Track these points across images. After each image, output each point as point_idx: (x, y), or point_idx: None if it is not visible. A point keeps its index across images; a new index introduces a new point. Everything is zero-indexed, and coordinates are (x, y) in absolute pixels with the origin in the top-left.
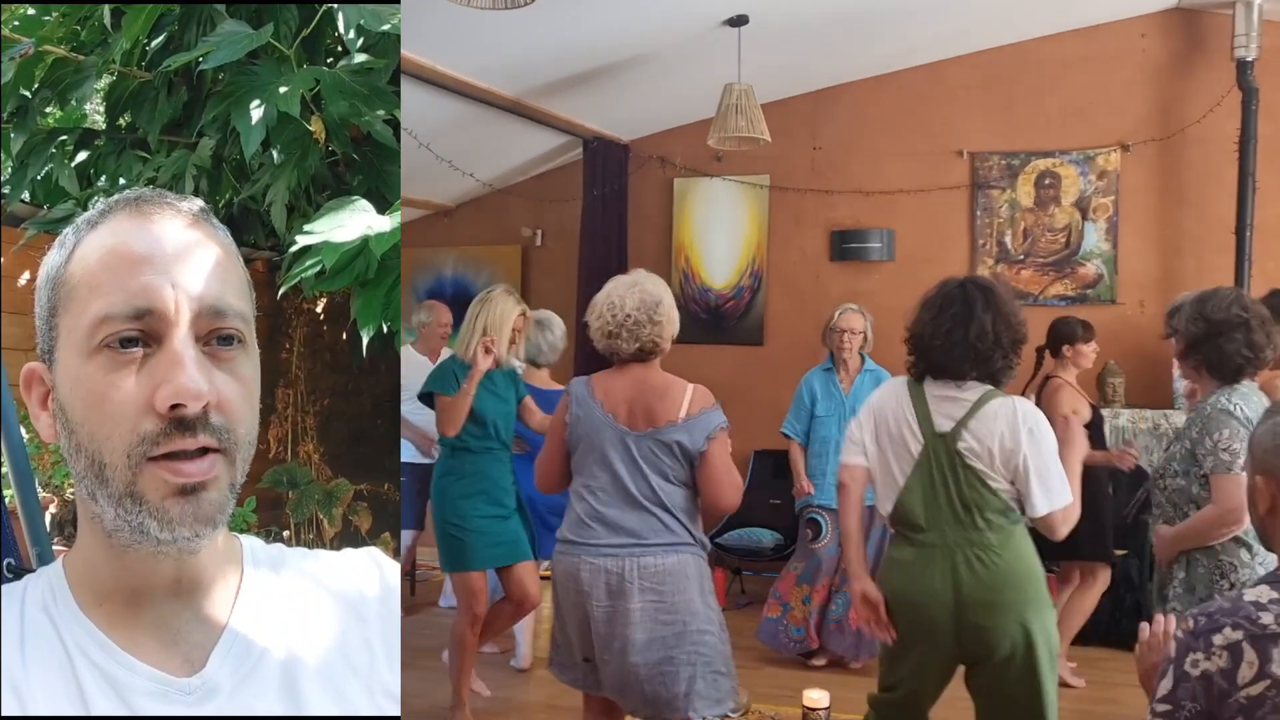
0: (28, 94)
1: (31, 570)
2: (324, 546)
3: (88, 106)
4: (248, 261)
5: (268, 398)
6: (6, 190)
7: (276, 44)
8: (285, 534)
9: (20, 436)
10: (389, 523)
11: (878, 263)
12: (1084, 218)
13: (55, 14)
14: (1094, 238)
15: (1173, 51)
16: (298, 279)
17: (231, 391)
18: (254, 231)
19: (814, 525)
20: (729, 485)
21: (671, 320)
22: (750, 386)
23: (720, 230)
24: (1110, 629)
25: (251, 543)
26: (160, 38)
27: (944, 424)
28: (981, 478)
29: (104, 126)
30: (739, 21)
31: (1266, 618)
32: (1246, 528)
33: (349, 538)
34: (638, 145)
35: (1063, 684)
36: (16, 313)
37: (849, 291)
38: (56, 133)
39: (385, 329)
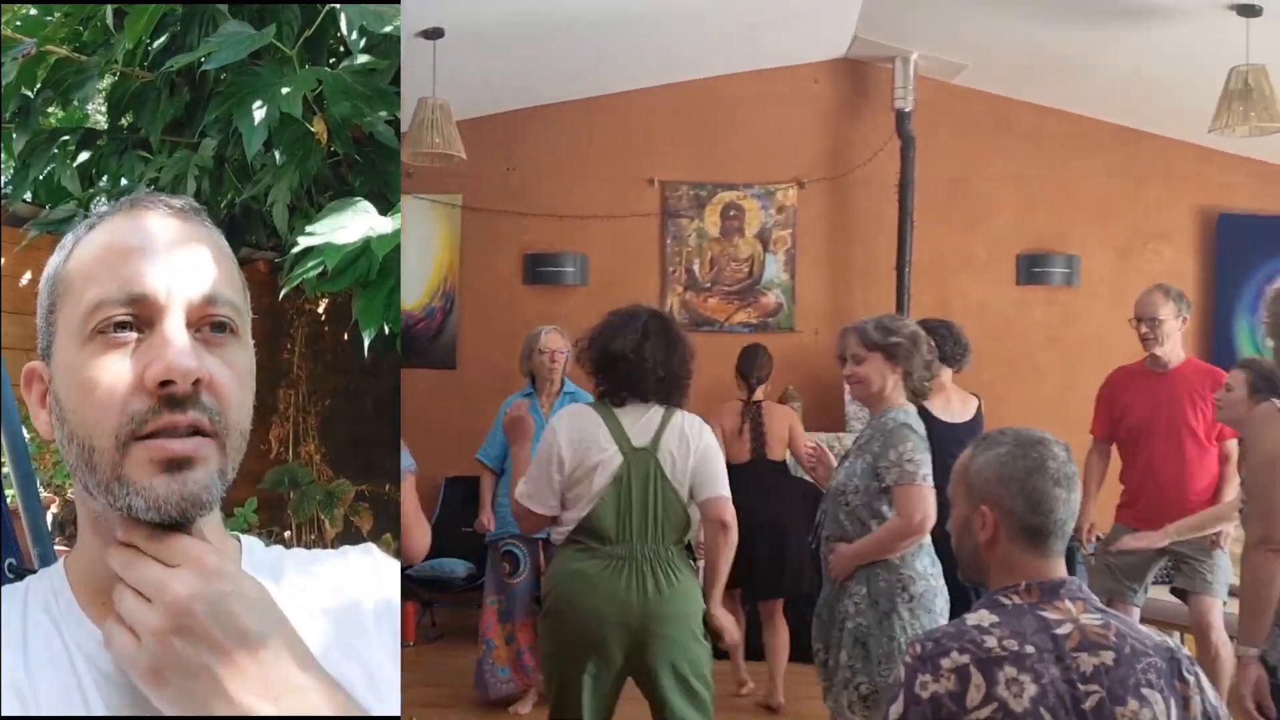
0: (30, 94)
1: (33, 570)
2: (325, 547)
3: (90, 107)
4: (250, 262)
5: (269, 398)
6: (8, 191)
7: (279, 44)
8: (286, 534)
9: (22, 436)
10: (390, 524)
11: (571, 287)
12: (765, 249)
13: (57, 14)
14: (774, 268)
15: (842, 98)
16: (300, 280)
17: (223, 375)
18: (256, 232)
19: (511, 559)
20: (420, 529)
21: None
22: (442, 411)
23: (410, 249)
24: (794, 645)
25: (250, 543)
26: (163, 38)
27: (641, 439)
28: (676, 491)
29: (106, 127)
30: (434, 34)
31: (990, 641)
32: (926, 540)
33: (350, 539)
34: None
35: (774, 709)
36: (17, 313)
37: (542, 315)
38: (58, 133)
39: (387, 330)
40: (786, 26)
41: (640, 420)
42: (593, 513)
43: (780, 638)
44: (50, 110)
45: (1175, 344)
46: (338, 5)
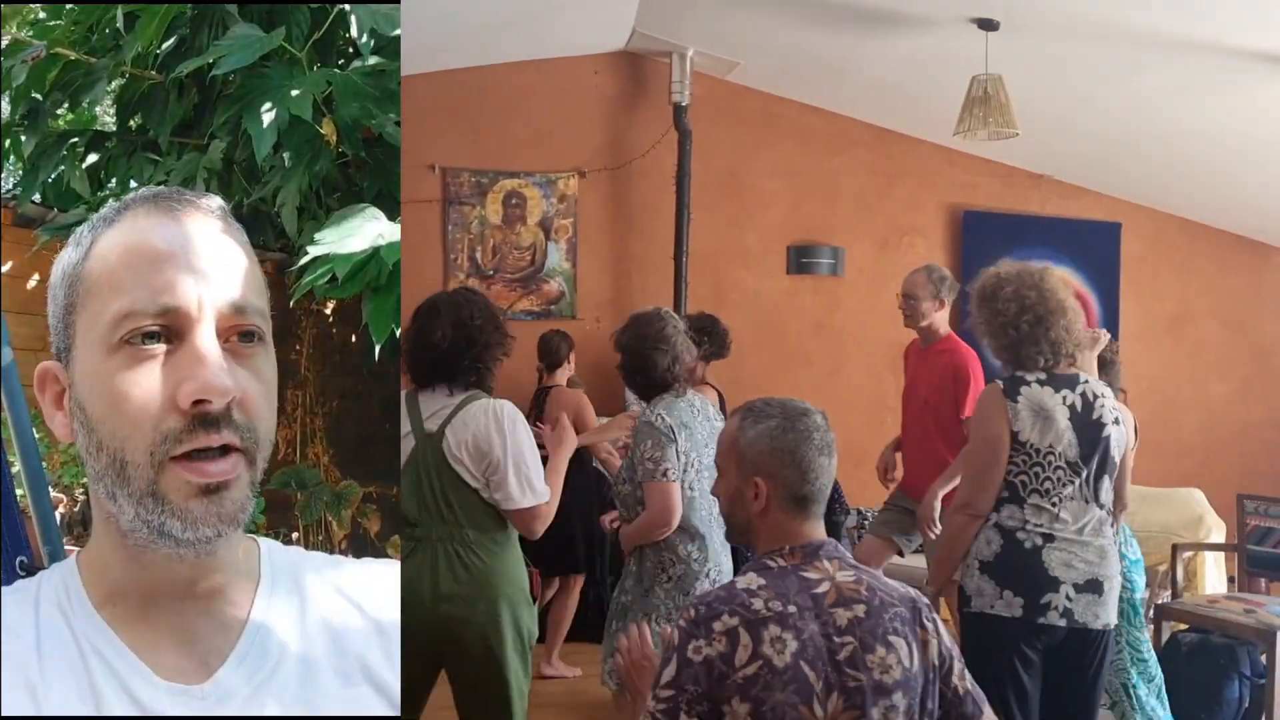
0: (39, 97)
1: (44, 568)
2: (333, 548)
3: (98, 109)
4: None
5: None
6: (17, 192)
7: (288, 46)
8: (294, 536)
9: (33, 435)
10: (397, 526)
11: None
12: (547, 237)
13: (66, 19)
14: (556, 257)
15: (622, 90)
16: (310, 287)
17: (253, 389)
18: (264, 233)
19: None
20: None
21: None
22: None
23: None
24: (580, 623)
25: (269, 545)
26: (171, 40)
27: (432, 425)
28: (461, 476)
29: (115, 129)
30: None
31: (757, 603)
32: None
33: (358, 540)
34: None
35: (561, 677)
36: (26, 313)
37: None
38: (67, 135)
39: (396, 333)
40: (567, 17)
41: (439, 405)
42: (403, 497)
43: (561, 608)
44: (59, 112)
45: (933, 322)
46: (346, 6)
